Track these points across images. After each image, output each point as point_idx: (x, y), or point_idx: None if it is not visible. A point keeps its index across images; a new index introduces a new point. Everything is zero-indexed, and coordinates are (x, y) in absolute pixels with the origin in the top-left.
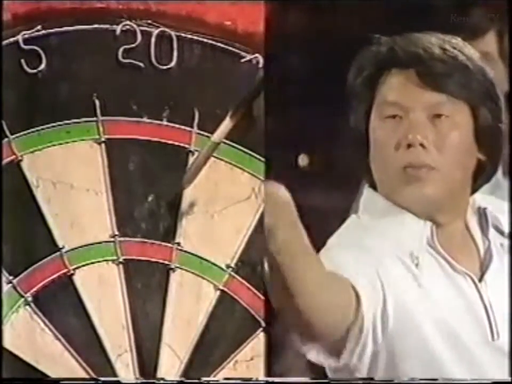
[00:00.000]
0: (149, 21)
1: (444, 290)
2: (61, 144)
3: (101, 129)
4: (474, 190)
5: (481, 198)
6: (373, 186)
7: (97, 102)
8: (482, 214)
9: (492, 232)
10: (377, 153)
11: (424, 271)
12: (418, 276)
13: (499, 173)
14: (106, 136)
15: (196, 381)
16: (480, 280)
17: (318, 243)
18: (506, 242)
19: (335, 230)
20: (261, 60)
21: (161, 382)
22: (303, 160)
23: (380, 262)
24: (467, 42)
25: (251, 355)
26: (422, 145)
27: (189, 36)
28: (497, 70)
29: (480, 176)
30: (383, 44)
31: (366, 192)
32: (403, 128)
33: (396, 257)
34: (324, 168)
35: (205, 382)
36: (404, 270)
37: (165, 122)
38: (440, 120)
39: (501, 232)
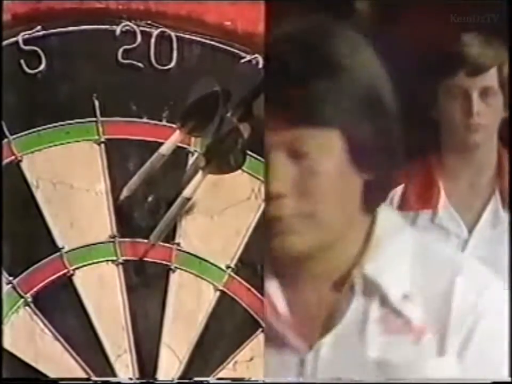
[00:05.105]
0: (149, 21)
1: None
2: (61, 144)
3: (100, 129)
4: (371, 210)
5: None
6: None
7: (96, 103)
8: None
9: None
10: None
11: None
12: None
13: (499, 207)
14: (106, 137)
15: (188, 380)
16: None
17: None
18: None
19: None
20: (261, 60)
21: (156, 382)
22: None
23: None
24: (470, 78)
25: (251, 355)
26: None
27: (189, 36)
28: (496, 101)
29: (371, 195)
30: None
31: None
32: None
33: None
34: None
35: (198, 382)
36: None
37: (165, 123)
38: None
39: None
